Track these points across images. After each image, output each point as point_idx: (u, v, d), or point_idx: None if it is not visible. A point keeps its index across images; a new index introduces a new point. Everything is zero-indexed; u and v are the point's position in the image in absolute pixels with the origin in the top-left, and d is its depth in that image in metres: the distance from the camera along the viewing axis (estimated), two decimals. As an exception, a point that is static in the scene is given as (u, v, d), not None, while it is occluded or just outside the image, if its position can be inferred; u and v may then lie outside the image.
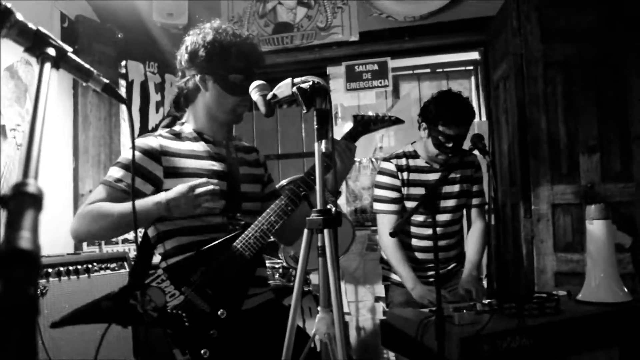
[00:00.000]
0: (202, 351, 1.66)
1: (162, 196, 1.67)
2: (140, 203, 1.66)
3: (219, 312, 1.72)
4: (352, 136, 1.95)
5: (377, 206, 2.83)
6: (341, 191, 1.95)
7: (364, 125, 1.97)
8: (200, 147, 1.89)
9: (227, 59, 1.82)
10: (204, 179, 1.70)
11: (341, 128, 4.40)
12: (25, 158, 0.59)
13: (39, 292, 2.53)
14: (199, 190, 1.66)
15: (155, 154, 1.78)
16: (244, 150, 2.08)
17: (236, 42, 1.83)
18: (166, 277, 1.71)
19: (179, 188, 1.66)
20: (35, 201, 0.53)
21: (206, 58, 1.82)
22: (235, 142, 2.06)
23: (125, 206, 1.66)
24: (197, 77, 1.85)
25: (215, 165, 1.88)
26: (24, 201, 0.52)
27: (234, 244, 1.78)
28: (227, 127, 2.00)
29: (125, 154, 1.79)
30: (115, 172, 1.76)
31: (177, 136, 1.88)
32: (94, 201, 1.71)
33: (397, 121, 2.04)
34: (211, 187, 1.68)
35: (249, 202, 1.94)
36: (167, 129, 1.91)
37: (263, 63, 1.94)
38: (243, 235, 1.79)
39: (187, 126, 1.94)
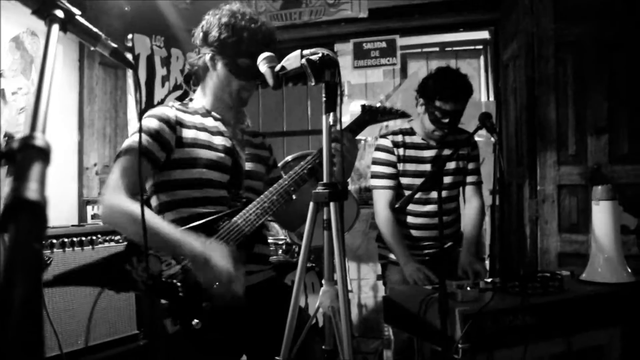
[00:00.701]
0: (193, 322, 1.66)
1: (201, 251, 1.62)
2: (181, 237, 1.63)
3: (214, 285, 1.71)
4: (359, 124, 2.01)
5: (373, 182, 2.83)
6: (349, 182, 1.98)
7: (372, 114, 2.06)
8: (209, 122, 1.91)
9: (238, 43, 1.82)
10: (240, 277, 1.68)
11: (348, 106, 4.38)
12: (32, 112, 0.58)
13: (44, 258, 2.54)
14: (233, 286, 1.64)
15: (172, 123, 1.79)
16: (250, 133, 2.10)
17: (250, 27, 1.83)
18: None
19: (221, 262, 1.61)
20: (43, 154, 0.52)
21: (218, 39, 1.84)
22: (243, 125, 2.08)
23: (163, 226, 1.64)
24: (208, 56, 1.87)
25: (223, 141, 1.89)
26: (31, 154, 0.51)
27: (234, 218, 1.78)
28: (234, 109, 2.00)
29: (145, 122, 1.78)
30: (133, 137, 1.74)
31: (189, 110, 1.90)
32: (122, 176, 1.67)
33: (404, 115, 2.17)
34: (237, 295, 1.67)
35: (251, 180, 1.95)
36: (179, 102, 1.92)
37: (275, 47, 1.91)
38: (244, 210, 1.79)
39: (197, 102, 1.96)
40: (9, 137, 2.31)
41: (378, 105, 2.06)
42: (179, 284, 1.68)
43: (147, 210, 1.66)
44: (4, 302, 0.39)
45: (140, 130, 1.53)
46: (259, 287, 1.89)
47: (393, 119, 2.15)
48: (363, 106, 2.06)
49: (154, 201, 1.87)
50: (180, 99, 2.01)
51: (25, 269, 0.42)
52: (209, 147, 1.83)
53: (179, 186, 1.80)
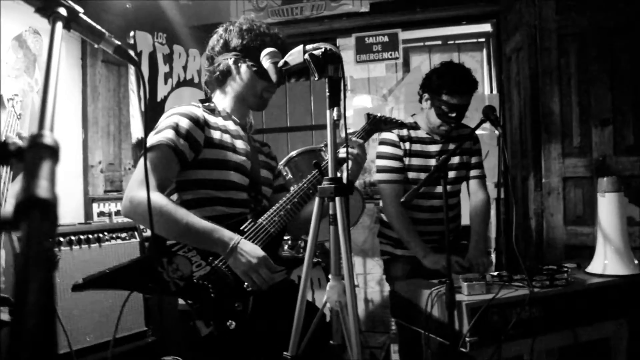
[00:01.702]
0: (227, 323, 1.67)
1: (234, 241, 1.68)
2: (212, 229, 1.68)
3: (244, 285, 1.72)
4: (366, 132, 2.17)
5: (380, 176, 2.81)
6: (357, 186, 2.10)
7: (376, 124, 2.26)
8: (231, 125, 1.97)
9: (262, 46, 1.88)
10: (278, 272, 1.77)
11: (351, 101, 4.37)
12: (40, 111, 0.58)
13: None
14: (267, 272, 1.71)
15: (201, 123, 1.82)
16: (259, 143, 2.17)
17: (270, 33, 1.94)
18: (193, 247, 1.71)
19: (255, 251, 1.69)
20: (52, 152, 0.52)
21: (242, 43, 1.91)
22: (252, 135, 2.14)
23: (194, 221, 1.67)
24: (231, 60, 1.93)
25: (244, 145, 1.95)
26: (40, 152, 0.51)
27: (260, 220, 1.83)
28: (251, 110, 2.07)
29: (171, 119, 1.79)
30: (169, 134, 1.74)
31: (212, 111, 1.94)
32: (151, 170, 1.68)
33: (403, 125, 2.48)
34: (275, 269, 1.74)
35: (264, 186, 2.01)
36: (201, 104, 1.95)
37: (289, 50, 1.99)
38: (268, 212, 1.85)
39: (218, 105, 2.00)
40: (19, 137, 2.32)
41: (379, 115, 2.31)
42: (210, 285, 1.69)
43: (175, 204, 1.69)
44: (18, 298, 0.40)
45: (147, 124, 1.54)
46: (279, 285, 1.90)
47: (393, 128, 2.46)
48: (368, 115, 2.23)
49: (174, 198, 1.87)
50: (204, 100, 2.03)
51: (38, 266, 0.42)
52: (234, 149, 1.89)
53: (203, 186, 1.82)
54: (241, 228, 1.78)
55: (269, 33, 1.94)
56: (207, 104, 1.97)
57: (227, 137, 1.89)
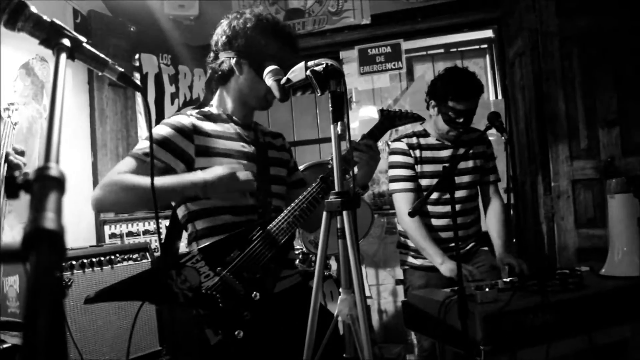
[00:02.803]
0: (236, 332, 1.68)
1: (199, 176, 1.67)
2: (177, 180, 1.67)
3: (252, 295, 1.73)
4: (380, 130, 2.02)
5: (393, 186, 2.81)
6: (370, 185, 2.02)
7: (390, 120, 2.06)
8: (230, 128, 1.91)
9: (266, 47, 1.84)
10: (239, 165, 1.74)
11: (356, 112, 4.39)
12: (46, 143, 0.60)
13: (64, 284, 2.57)
14: (240, 176, 1.68)
15: (187, 132, 1.78)
16: (271, 135, 2.10)
17: (276, 32, 1.86)
18: (201, 258, 1.72)
19: (217, 171, 1.67)
20: (58, 184, 0.54)
21: (246, 42, 1.84)
22: (262, 127, 2.09)
23: (157, 180, 1.62)
24: (233, 60, 1.87)
25: (245, 147, 1.90)
26: (47, 184, 0.53)
27: (268, 227, 1.80)
28: (254, 111, 2.02)
29: (156, 130, 1.77)
30: (145, 146, 1.74)
31: (208, 117, 1.89)
32: (121, 172, 1.70)
33: (419, 118, 2.19)
34: (250, 176, 1.71)
35: (276, 185, 1.96)
36: (197, 110, 1.91)
37: (298, 51, 1.94)
38: (276, 220, 1.81)
39: (217, 108, 1.95)
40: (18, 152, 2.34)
41: (396, 109, 2.10)
42: (218, 295, 1.70)
43: (136, 175, 1.68)
44: (28, 331, 0.41)
45: (152, 146, 1.56)
46: (290, 292, 1.91)
47: (410, 122, 2.17)
48: (381, 110, 2.09)
49: (181, 211, 1.88)
50: (200, 105, 2.00)
51: (47, 297, 0.43)
52: (232, 155, 1.83)
53: (216, 196, 1.80)
54: (249, 237, 1.77)
55: (274, 31, 1.85)
56: (202, 110, 1.92)
57: (224, 143, 1.84)
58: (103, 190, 1.68)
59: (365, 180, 1.95)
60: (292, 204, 1.83)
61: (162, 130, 1.76)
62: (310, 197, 1.83)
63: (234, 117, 1.94)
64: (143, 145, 1.76)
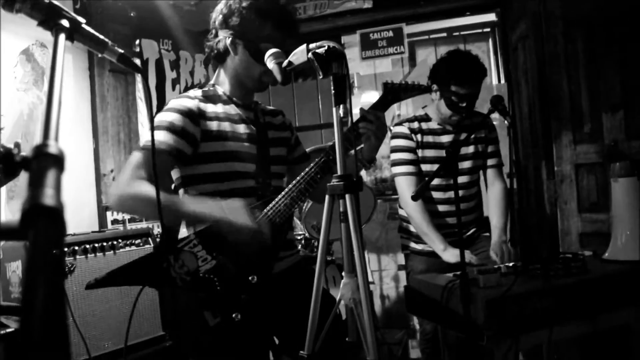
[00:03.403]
0: (233, 315, 1.69)
1: (219, 215, 1.64)
2: (201, 208, 1.66)
3: (250, 277, 1.74)
4: (383, 104, 1.96)
5: (395, 169, 2.80)
6: (376, 159, 1.96)
7: (394, 93, 1.97)
8: (232, 110, 1.89)
9: (261, 27, 1.81)
10: (266, 223, 1.73)
11: (358, 98, 4.37)
12: (44, 120, 0.59)
13: (67, 270, 2.58)
14: (264, 232, 1.68)
15: (194, 116, 1.77)
16: (271, 113, 2.08)
17: (272, 10, 1.83)
18: (198, 242, 1.73)
19: (241, 220, 1.63)
20: (57, 161, 0.53)
21: (240, 22, 1.81)
22: (261, 106, 2.07)
23: (179, 202, 1.68)
24: (229, 40, 1.84)
25: (247, 129, 1.88)
26: (46, 161, 0.52)
27: (265, 209, 1.80)
28: (253, 92, 2.00)
29: (162, 117, 1.75)
30: (157, 135, 1.71)
31: (210, 98, 1.87)
32: (138, 167, 1.68)
33: (427, 89, 2.07)
34: (268, 237, 1.70)
35: (276, 165, 1.95)
36: (200, 90, 1.89)
37: (297, 33, 1.91)
38: (274, 202, 1.80)
39: (218, 88, 1.93)
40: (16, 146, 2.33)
41: (400, 81, 2.01)
42: (215, 278, 1.71)
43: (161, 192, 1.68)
44: (26, 306, 0.40)
45: (153, 128, 1.54)
46: (288, 272, 1.92)
47: (416, 94, 2.04)
48: (385, 84, 2.00)
49: (180, 194, 1.88)
50: (202, 85, 1.97)
51: (46, 273, 0.42)
52: (234, 137, 1.83)
53: (207, 180, 1.80)
54: None
55: (271, 11, 1.82)
56: (205, 90, 1.90)
57: (226, 125, 1.83)
58: (124, 203, 1.69)
59: (372, 153, 1.91)
60: (290, 185, 1.81)
61: (169, 116, 1.74)
62: (308, 177, 1.81)
63: (233, 98, 1.92)
64: (160, 136, 1.72)
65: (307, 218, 3.36)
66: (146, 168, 1.67)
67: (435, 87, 2.71)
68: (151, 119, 1.50)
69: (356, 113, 1.89)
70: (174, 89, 4.15)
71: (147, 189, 1.63)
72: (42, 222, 0.45)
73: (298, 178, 1.81)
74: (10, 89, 3.03)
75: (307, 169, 1.83)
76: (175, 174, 1.85)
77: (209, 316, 1.69)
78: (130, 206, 1.72)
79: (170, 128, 1.72)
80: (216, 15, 1.88)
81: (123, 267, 1.72)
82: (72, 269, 2.59)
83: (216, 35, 1.89)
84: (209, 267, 1.72)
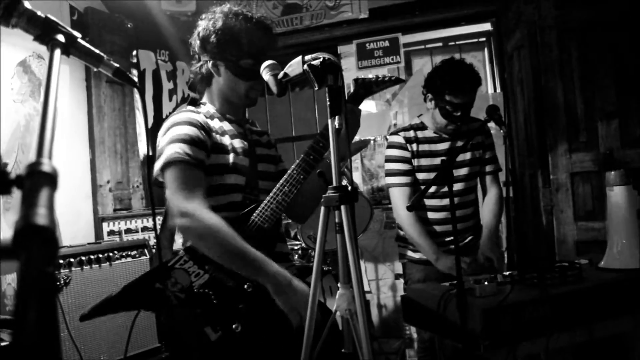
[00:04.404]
0: (234, 326, 1.68)
1: (288, 278, 1.66)
2: (266, 261, 1.66)
3: (245, 286, 1.73)
4: (355, 99, 1.96)
5: (389, 180, 2.80)
6: (364, 192, 1.97)
7: (366, 87, 1.99)
8: (227, 126, 1.90)
9: (237, 45, 1.82)
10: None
11: (354, 107, 4.37)
12: (39, 138, 0.59)
13: (62, 282, 2.57)
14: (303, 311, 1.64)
15: (205, 128, 1.78)
16: (257, 133, 2.09)
17: (246, 27, 1.83)
18: (188, 258, 1.72)
19: (306, 292, 1.64)
20: (50, 180, 0.53)
21: (217, 44, 1.82)
22: (249, 125, 2.07)
23: (247, 247, 1.65)
24: (210, 63, 1.86)
25: (241, 144, 1.89)
26: (39, 179, 0.52)
27: (252, 217, 1.79)
28: (242, 109, 2.02)
29: (178, 130, 1.73)
30: (183, 148, 1.69)
31: (206, 115, 1.87)
32: (188, 185, 1.66)
33: (398, 81, 2.06)
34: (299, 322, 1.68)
35: (264, 181, 1.95)
36: (193, 107, 1.89)
37: (275, 45, 1.93)
38: (259, 208, 1.80)
39: (209, 106, 1.93)
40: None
41: (370, 76, 2.01)
42: (210, 292, 1.70)
43: (231, 230, 1.66)
44: (18, 327, 0.40)
45: (148, 140, 1.54)
46: None
47: (389, 86, 2.06)
48: (355, 80, 2.02)
49: None
50: (192, 103, 1.96)
51: (38, 293, 0.43)
52: (233, 151, 1.83)
53: (211, 193, 1.79)
54: (235, 229, 1.74)
55: (244, 27, 1.81)
56: (196, 108, 1.89)
57: (226, 139, 1.84)
58: (198, 239, 1.67)
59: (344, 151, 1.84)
60: (274, 189, 1.81)
61: (184, 129, 1.73)
62: (291, 179, 1.81)
63: (226, 115, 1.94)
64: (183, 148, 1.70)
65: (303, 228, 3.36)
66: (193, 185, 1.67)
67: (430, 96, 2.72)
68: (147, 131, 1.50)
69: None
70: (170, 99, 4.17)
71: (236, 237, 1.64)
72: (34, 242, 0.45)
73: (281, 181, 1.82)
74: (7, 101, 3.03)
75: (289, 171, 1.83)
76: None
77: (209, 331, 1.67)
78: (208, 244, 1.66)
79: (189, 140, 1.71)
80: (194, 41, 1.90)
81: (116, 295, 1.70)
82: (67, 281, 2.59)
83: (198, 60, 1.91)
84: (202, 282, 1.71)
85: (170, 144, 1.72)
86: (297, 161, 1.84)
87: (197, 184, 1.69)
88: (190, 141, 1.71)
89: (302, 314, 1.63)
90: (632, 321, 2.18)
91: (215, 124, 1.86)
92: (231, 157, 1.82)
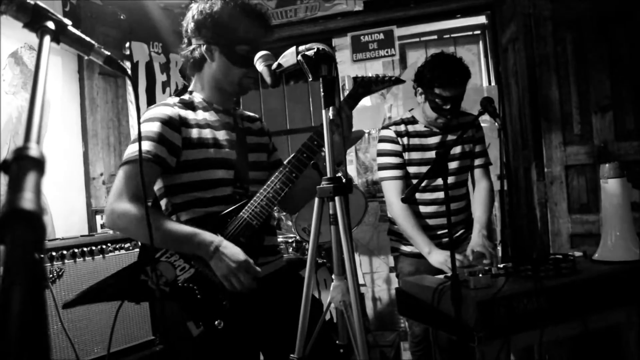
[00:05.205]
0: (216, 322, 1.67)
1: (214, 244, 1.64)
2: (193, 233, 1.65)
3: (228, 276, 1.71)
4: (354, 98, 1.92)
5: (382, 173, 2.80)
6: (359, 185, 1.94)
7: (365, 86, 1.94)
8: (212, 116, 1.86)
9: (234, 30, 1.78)
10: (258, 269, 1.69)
11: (349, 100, 4.36)
12: (26, 123, 0.58)
13: (55, 275, 2.55)
14: (247, 277, 1.65)
15: (175, 124, 1.73)
16: (249, 119, 2.05)
17: (244, 12, 1.80)
18: (176, 252, 1.71)
19: (236, 255, 1.64)
20: (37, 164, 0.52)
21: (213, 28, 1.78)
22: (240, 111, 2.04)
23: (174, 227, 1.65)
24: (204, 47, 1.81)
25: (227, 135, 1.85)
26: (25, 164, 0.51)
27: (241, 213, 1.76)
28: (233, 97, 1.98)
29: (146, 127, 1.71)
30: (145, 146, 1.67)
31: (189, 105, 1.83)
32: (126, 182, 1.65)
33: (398, 81, 2.03)
34: (257, 274, 1.68)
35: (255, 171, 1.92)
36: (178, 98, 1.86)
37: (271, 35, 1.90)
38: (249, 204, 1.77)
39: (196, 95, 1.89)
40: None
41: (370, 75, 1.97)
42: (195, 287, 1.69)
43: (154, 212, 1.67)
44: (2, 314, 0.39)
45: (140, 136, 1.53)
46: (271, 278, 1.87)
47: (388, 86, 2.03)
48: (354, 78, 1.98)
49: (163, 203, 1.85)
50: (180, 92, 1.93)
51: (23, 278, 0.42)
52: (215, 144, 1.80)
53: (189, 188, 1.77)
54: (224, 225, 1.75)
55: (242, 13, 1.79)
56: (184, 98, 1.86)
57: (207, 132, 1.80)
58: (114, 222, 1.66)
59: (341, 154, 1.83)
60: (265, 186, 1.79)
61: (152, 126, 1.70)
62: (283, 177, 1.78)
63: (213, 105, 1.89)
64: (135, 148, 1.68)
65: (298, 221, 3.36)
66: (134, 181, 1.65)
67: (420, 90, 2.72)
68: (139, 120, 1.47)
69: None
70: (164, 91, 4.14)
71: (137, 211, 1.62)
72: (19, 227, 0.44)
73: (272, 178, 1.79)
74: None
75: (280, 168, 1.81)
76: (157, 184, 1.81)
77: (191, 326, 1.66)
78: (124, 227, 1.66)
79: (152, 137, 1.68)
80: (187, 24, 1.85)
81: (100, 283, 1.70)
82: (60, 273, 2.57)
83: (190, 44, 1.86)
84: (187, 276, 1.69)
85: (131, 144, 1.72)
86: (290, 159, 1.81)
87: (138, 184, 1.63)
88: (152, 137, 1.68)
89: (233, 279, 1.63)
90: (626, 313, 2.19)
91: (198, 115, 1.83)
92: (213, 151, 1.78)
